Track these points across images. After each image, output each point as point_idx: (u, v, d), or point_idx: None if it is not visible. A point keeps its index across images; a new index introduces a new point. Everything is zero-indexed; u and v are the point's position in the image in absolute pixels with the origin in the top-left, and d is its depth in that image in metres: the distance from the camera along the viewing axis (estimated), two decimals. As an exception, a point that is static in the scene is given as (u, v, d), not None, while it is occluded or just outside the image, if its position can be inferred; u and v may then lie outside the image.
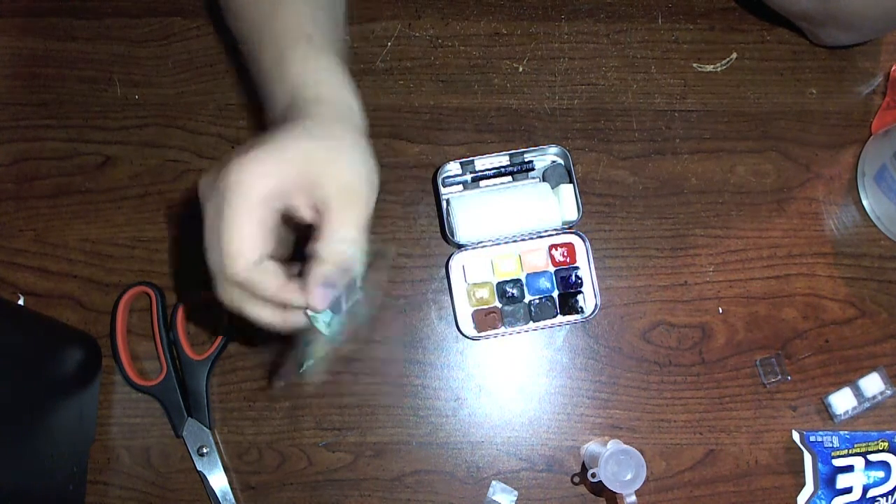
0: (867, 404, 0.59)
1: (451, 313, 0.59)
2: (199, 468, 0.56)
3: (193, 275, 0.60)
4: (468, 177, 0.61)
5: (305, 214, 0.40)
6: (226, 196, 0.37)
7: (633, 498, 0.52)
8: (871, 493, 0.57)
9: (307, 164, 0.38)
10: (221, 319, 0.58)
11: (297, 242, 0.43)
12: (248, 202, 0.37)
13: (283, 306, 0.40)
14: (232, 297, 0.40)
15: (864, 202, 0.63)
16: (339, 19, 0.51)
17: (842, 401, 0.59)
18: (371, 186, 0.40)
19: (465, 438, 0.58)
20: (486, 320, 0.59)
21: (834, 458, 0.57)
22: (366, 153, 0.41)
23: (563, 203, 0.58)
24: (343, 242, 0.38)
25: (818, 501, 0.57)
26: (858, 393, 0.59)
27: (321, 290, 0.39)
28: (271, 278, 0.39)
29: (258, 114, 0.59)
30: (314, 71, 0.44)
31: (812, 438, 0.58)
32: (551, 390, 0.59)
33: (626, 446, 0.52)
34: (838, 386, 0.60)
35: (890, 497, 0.57)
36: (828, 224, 0.62)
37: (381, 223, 0.61)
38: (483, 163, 0.60)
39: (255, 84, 0.49)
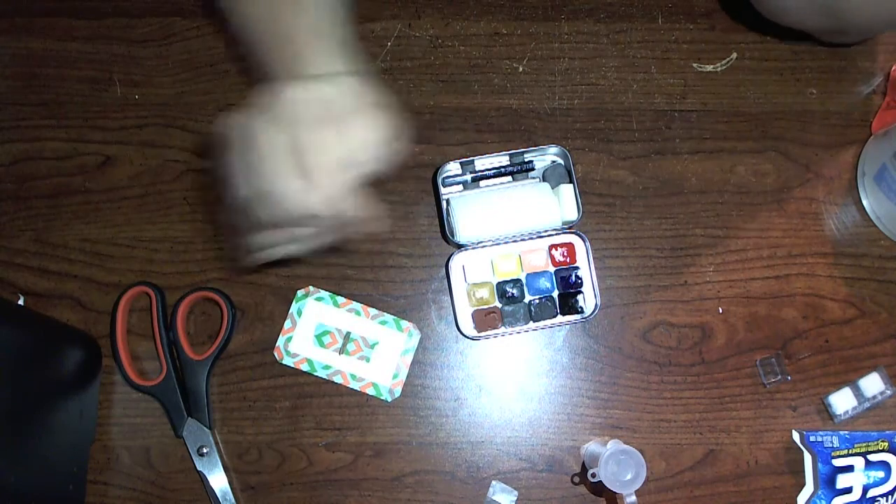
0: (867, 404, 0.59)
1: (451, 313, 0.59)
2: (199, 468, 0.56)
3: (193, 273, 0.60)
4: (468, 177, 0.61)
5: None
6: (284, 117, 0.41)
7: (633, 498, 0.52)
8: (871, 493, 0.57)
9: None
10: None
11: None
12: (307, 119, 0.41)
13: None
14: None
15: (864, 202, 0.63)
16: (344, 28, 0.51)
17: (842, 401, 0.59)
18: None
19: (465, 438, 0.58)
20: (486, 320, 0.59)
21: (834, 458, 0.57)
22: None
23: (563, 203, 0.58)
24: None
25: (818, 501, 0.57)
26: (858, 393, 0.59)
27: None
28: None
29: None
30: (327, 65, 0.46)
31: (812, 438, 0.58)
32: (551, 390, 0.59)
33: (626, 446, 0.52)
34: (838, 386, 0.60)
35: (890, 497, 0.57)
36: (828, 224, 0.62)
37: (381, 223, 0.61)
38: (483, 163, 0.60)
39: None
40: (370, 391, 0.58)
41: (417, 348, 0.59)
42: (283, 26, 0.48)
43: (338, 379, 0.58)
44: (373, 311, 0.59)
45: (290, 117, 0.42)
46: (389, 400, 0.58)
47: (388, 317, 0.59)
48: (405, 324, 0.59)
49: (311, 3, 0.48)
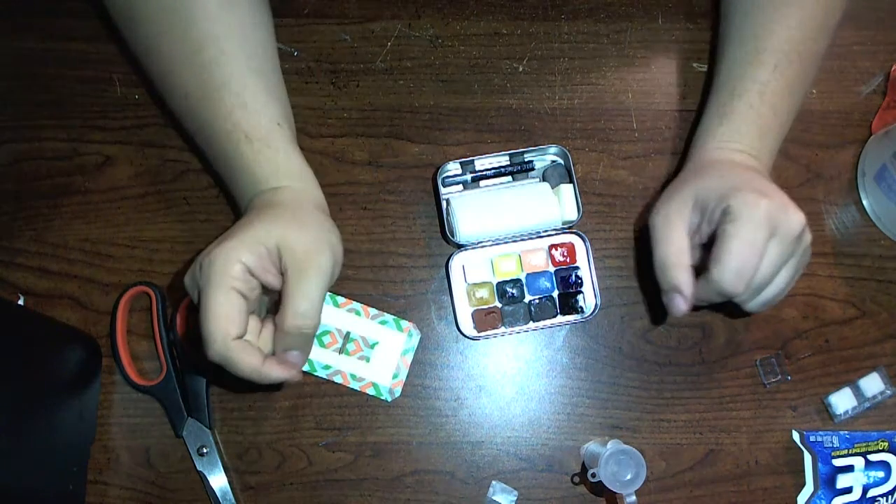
0: (867, 404, 0.59)
1: (451, 313, 0.59)
2: (199, 468, 0.56)
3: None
4: (468, 177, 0.61)
5: (276, 286, 0.45)
6: (203, 284, 0.43)
7: (633, 498, 0.52)
8: (871, 493, 0.57)
9: (274, 243, 0.44)
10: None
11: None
12: (223, 287, 0.42)
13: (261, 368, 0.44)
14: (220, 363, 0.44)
15: (864, 202, 0.63)
16: (277, 81, 0.54)
17: (842, 401, 0.59)
18: (331, 257, 0.45)
19: (465, 438, 0.58)
20: (486, 320, 0.59)
21: (834, 458, 0.57)
22: (329, 229, 0.47)
23: (563, 203, 0.58)
24: (298, 316, 0.43)
25: (818, 501, 0.57)
26: (858, 393, 0.59)
27: (289, 358, 0.45)
28: (246, 356, 0.43)
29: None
30: (270, 167, 0.49)
31: (812, 438, 0.58)
32: (551, 390, 0.59)
33: (626, 446, 0.52)
34: (838, 386, 0.60)
35: (890, 497, 0.57)
36: (828, 224, 0.62)
37: (382, 223, 0.61)
38: (483, 163, 0.60)
39: (211, 164, 0.54)
40: (370, 391, 0.58)
41: (417, 348, 0.59)
42: (217, 114, 0.50)
43: (338, 379, 0.58)
44: (373, 311, 0.59)
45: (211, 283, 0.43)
46: (389, 400, 0.58)
47: (389, 317, 0.59)
48: (405, 324, 0.59)
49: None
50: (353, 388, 0.58)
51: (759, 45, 0.55)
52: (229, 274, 0.42)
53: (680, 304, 0.50)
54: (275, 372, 0.44)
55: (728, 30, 0.58)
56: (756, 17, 0.55)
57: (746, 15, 0.56)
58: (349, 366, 0.58)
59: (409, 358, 0.58)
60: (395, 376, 0.58)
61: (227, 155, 0.50)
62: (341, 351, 0.58)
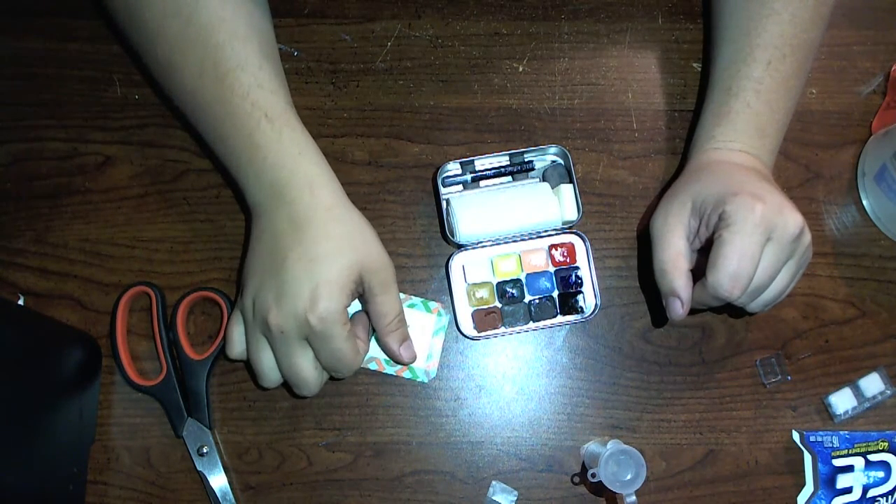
0: (867, 404, 0.59)
1: (451, 313, 0.59)
2: (199, 468, 0.56)
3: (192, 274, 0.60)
4: (468, 177, 0.61)
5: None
6: (324, 337, 0.48)
7: (633, 498, 0.52)
8: (871, 493, 0.57)
9: (357, 275, 0.49)
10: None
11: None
12: (345, 335, 0.49)
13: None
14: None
15: (864, 202, 0.63)
16: (281, 68, 0.54)
17: (842, 401, 0.59)
18: (390, 262, 0.51)
19: (465, 438, 0.58)
20: (486, 320, 0.59)
21: (834, 458, 0.57)
22: (368, 228, 0.51)
23: (563, 203, 0.58)
24: (396, 320, 0.52)
25: (818, 501, 0.57)
26: (858, 393, 0.59)
27: (405, 349, 0.54)
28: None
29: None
30: (294, 147, 0.50)
31: (812, 438, 0.58)
32: (551, 390, 0.59)
33: (626, 446, 0.52)
34: (838, 386, 0.60)
35: (890, 497, 0.57)
36: (828, 224, 0.62)
37: (382, 223, 0.61)
38: (483, 163, 0.60)
39: (216, 145, 0.53)
40: (406, 374, 0.58)
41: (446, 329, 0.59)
42: (221, 91, 0.50)
43: (373, 366, 0.58)
44: (400, 295, 0.59)
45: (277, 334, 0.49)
46: (426, 381, 0.58)
47: (416, 300, 0.59)
48: (433, 304, 0.59)
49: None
50: (388, 374, 0.58)
51: (751, 42, 0.55)
52: (342, 322, 0.48)
53: (677, 308, 0.51)
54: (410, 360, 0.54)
55: (719, 28, 0.58)
56: (747, 13, 0.55)
57: (737, 12, 0.56)
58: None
59: (441, 338, 0.59)
60: (429, 357, 0.58)
61: (247, 132, 0.49)
62: (372, 334, 0.58)
